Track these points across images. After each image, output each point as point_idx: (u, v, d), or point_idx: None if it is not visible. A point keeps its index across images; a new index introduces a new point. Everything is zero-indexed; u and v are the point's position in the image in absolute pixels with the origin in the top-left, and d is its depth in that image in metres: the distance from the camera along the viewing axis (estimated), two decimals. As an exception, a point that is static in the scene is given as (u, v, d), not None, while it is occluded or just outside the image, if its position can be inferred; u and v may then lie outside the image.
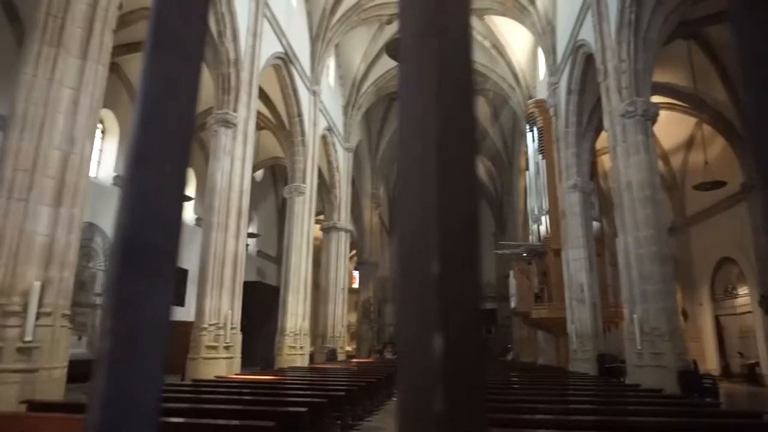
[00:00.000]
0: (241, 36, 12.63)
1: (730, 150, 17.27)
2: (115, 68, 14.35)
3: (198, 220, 19.60)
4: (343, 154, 23.14)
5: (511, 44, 21.25)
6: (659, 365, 9.65)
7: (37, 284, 6.40)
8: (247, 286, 12.73)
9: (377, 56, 22.15)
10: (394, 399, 10.31)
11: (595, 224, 16.23)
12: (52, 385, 6.47)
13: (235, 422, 4.44)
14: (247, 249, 13.61)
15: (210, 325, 10.93)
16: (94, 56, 7.30)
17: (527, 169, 19.71)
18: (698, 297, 21.06)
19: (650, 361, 9.86)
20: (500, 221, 31.15)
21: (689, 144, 19.73)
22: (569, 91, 15.61)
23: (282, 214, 25.47)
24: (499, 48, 21.53)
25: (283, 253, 17.56)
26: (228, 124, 12.03)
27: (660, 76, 14.35)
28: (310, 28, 18.66)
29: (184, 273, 17.26)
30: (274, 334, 16.41)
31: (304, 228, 17.33)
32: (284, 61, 15.96)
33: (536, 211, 18.42)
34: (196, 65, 0.38)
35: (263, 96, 16.08)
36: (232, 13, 12.15)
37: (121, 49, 13.07)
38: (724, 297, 19.67)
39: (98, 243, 15.07)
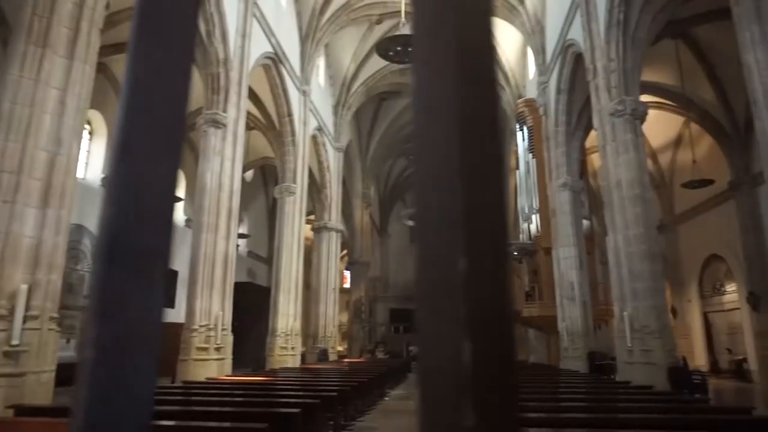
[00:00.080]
0: (230, 36, 12.55)
1: (718, 148, 17.45)
2: (102, 68, 14.19)
3: (188, 221, 19.45)
4: (333, 153, 23.09)
5: (501, 44, 21.31)
6: (649, 362, 9.73)
7: (24, 287, 6.31)
8: (238, 287, 12.66)
9: (367, 56, 22.11)
10: (386, 399, 10.35)
11: (585, 223, 16.33)
12: (40, 389, 6.38)
13: (227, 424, 4.40)
14: (237, 250, 13.53)
15: (201, 326, 10.85)
16: (80, 56, 7.21)
17: (517, 168, 19.78)
18: (687, 294, 21.27)
19: (640, 358, 9.94)
20: (491, 220, 31.17)
21: (677, 143, 19.91)
22: (559, 91, 15.68)
23: (272, 214, 25.37)
24: (488, 47, 21.52)
25: (274, 254, 17.48)
26: (217, 124, 11.95)
27: (648, 76, 14.46)
28: (300, 28, 18.60)
29: (174, 274, 17.13)
30: (265, 334, 16.33)
31: (294, 228, 17.27)
32: (274, 61, 15.89)
33: (526, 210, 18.51)
34: (187, 49, 0.36)
35: (253, 96, 16.00)
36: (221, 13, 12.07)
37: (108, 49, 12.91)
38: (712, 294, 19.88)
39: (86, 245, 14.91)
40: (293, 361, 16.23)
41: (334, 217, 22.51)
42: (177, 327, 11.16)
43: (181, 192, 20.10)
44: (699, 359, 19.64)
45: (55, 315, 6.74)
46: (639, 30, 11.29)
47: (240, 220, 16.20)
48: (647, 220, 10.47)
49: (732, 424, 5.03)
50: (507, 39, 20.89)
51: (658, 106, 16.95)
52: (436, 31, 0.33)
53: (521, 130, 18.79)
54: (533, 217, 17.84)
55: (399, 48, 12.30)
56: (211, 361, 10.87)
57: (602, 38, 11.63)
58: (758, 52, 6.90)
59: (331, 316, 21.47)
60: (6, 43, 10.05)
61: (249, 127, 16.81)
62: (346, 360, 20.80)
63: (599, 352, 14.06)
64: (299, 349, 17.30)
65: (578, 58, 13.83)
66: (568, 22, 14.25)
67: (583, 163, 16.63)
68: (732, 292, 18.35)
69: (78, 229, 14.22)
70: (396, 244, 34.75)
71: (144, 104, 0.34)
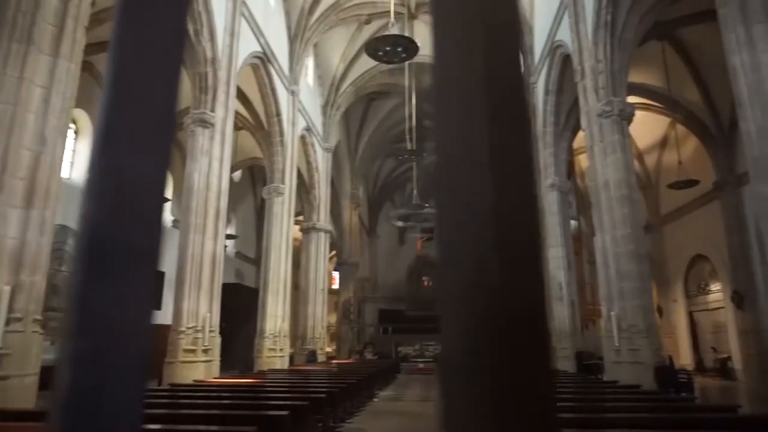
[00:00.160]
0: (218, 35, 12.45)
1: (703, 149, 17.65)
2: (87, 67, 14.00)
3: (175, 222, 19.28)
4: (322, 154, 23.01)
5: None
6: (636, 361, 9.80)
7: (7, 289, 6.20)
8: (226, 288, 12.55)
9: (356, 56, 22.06)
10: (375, 400, 10.32)
11: (573, 223, 16.44)
12: (24, 393, 6.27)
13: (215, 428, 4.35)
14: (225, 250, 13.43)
15: (188, 328, 10.75)
16: (66, 54, 7.10)
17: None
18: (672, 294, 21.50)
19: (627, 357, 10.00)
20: (479, 221, 31.27)
21: (663, 143, 20.11)
22: (547, 92, 15.77)
23: (261, 215, 25.22)
24: (477, 48, 21.58)
25: (262, 255, 17.37)
26: (205, 124, 11.85)
27: (635, 77, 14.58)
28: (289, 28, 18.51)
29: (161, 275, 16.92)
30: (254, 336, 16.22)
31: (283, 229, 17.18)
32: (262, 61, 15.80)
33: (515, 211, 18.55)
34: (177, 31, 0.34)
35: (241, 96, 15.89)
36: (208, 12, 11.97)
37: (94, 47, 12.73)
38: (697, 293, 20.11)
39: (71, 246, 14.71)
40: (282, 363, 16.15)
41: (322, 217, 22.43)
42: (164, 329, 11.04)
43: (168, 192, 19.91)
44: (684, 358, 19.86)
45: (39, 317, 6.63)
46: (626, 31, 11.38)
47: (228, 221, 16.07)
48: (634, 221, 10.56)
49: (718, 422, 5.07)
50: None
51: (645, 107, 17.11)
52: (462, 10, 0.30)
53: (510, 130, 18.82)
54: (521, 217, 17.88)
55: (388, 48, 12.28)
56: (198, 363, 10.77)
57: (590, 39, 11.71)
58: (744, 54, 6.97)
59: (320, 317, 21.38)
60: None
61: (237, 127, 16.69)
62: (334, 361, 20.73)
63: (587, 352, 14.15)
64: (288, 350, 17.21)
65: (566, 59, 13.91)
66: (557, 23, 14.34)
67: (570, 164, 16.73)
68: (717, 292, 18.58)
69: (63, 230, 14.00)
70: (385, 245, 34.73)
71: (131, 88, 0.30)
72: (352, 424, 8.66)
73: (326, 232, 22.74)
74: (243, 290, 22.69)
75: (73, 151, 15.74)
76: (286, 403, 5.75)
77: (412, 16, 20.26)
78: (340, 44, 22.13)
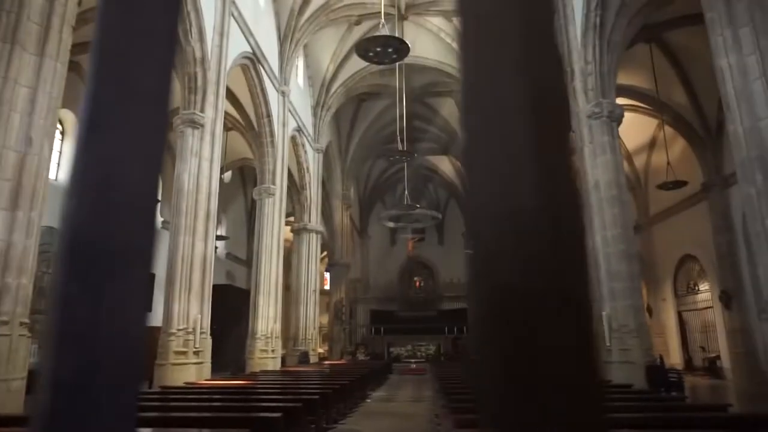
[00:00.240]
0: (208, 35, 12.37)
1: (691, 151, 17.83)
2: (74, 67, 13.82)
3: (164, 223, 19.12)
4: (312, 155, 22.95)
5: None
6: (627, 361, 9.86)
7: (-7, 292, 6.10)
8: (217, 290, 12.47)
9: (346, 57, 22.02)
10: (368, 401, 10.30)
11: (563, 223, 16.51)
12: (10, 398, 6.17)
13: (207, 431, 4.31)
14: (215, 252, 13.33)
15: (179, 329, 10.65)
16: (52, 53, 7.01)
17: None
18: (662, 293, 21.67)
19: (619, 357, 10.07)
20: (470, 221, 31.36)
21: (652, 145, 20.27)
22: (537, 93, 15.84)
23: (251, 215, 25.10)
24: (467, 50, 21.65)
25: (253, 256, 17.28)
26: (195, 124, 11.76)
27: (623, 79, 14.70)
28: (278, 28, 18.44)
29: (150, 277, 16.80)
30: (245, 337, 16.13)
31: (274, 230, 17.10)
32: (252, 61, 15.72)
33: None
34: (169, 13, 0.31)
35: (231, 96, 15.80)
36: (197, 11, 11.89)
37: (81, 47, 12.61)
38: (686, 293, 20.29)
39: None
40: (273, 364, 16.07)
41: (313, 218, 22.37)
42: (154, 331, 10.94)
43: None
44: (674, 357, 20.03)
45: (26, 320, 6.54)
46: (615, 33, 11.47)
47: (218, 222, 15.97)
48: (624, 221, 10.64)
49: (710, 421, 5.11)
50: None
51: (633, 108, 17.24)
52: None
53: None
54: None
55: (378, 49, 12.27)
56: (189, 365, 10.68)
57: (579, 41, 11.78)
58: (731, 57, 7.04)
59: (312, 318, 21.31)
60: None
61: (227, 128, 16.60)
62: (327, 362, 20.68)
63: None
64: (279, 351, 17.13)
65: (556, 60, 13.97)
66: (546, 25, 14.39)
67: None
68: (705, 291, 18.75)
69: (50, 232, 13.81)
70: (376, 246, 34.70)
71: (119, 72, 0.28)
72: (345, 425, 8.64)
73: (317, 233, 22.68)
74: (234, 291, 22.55)
75: (60, 152, 15.55)
76: (279, 405, 5.71)
77: (403, 17, 20.27)
78: (331, 45, 22.09)
